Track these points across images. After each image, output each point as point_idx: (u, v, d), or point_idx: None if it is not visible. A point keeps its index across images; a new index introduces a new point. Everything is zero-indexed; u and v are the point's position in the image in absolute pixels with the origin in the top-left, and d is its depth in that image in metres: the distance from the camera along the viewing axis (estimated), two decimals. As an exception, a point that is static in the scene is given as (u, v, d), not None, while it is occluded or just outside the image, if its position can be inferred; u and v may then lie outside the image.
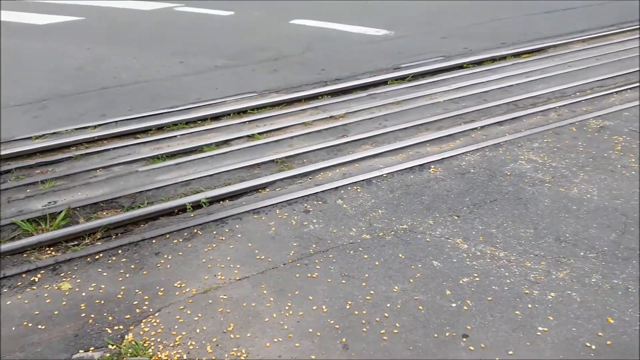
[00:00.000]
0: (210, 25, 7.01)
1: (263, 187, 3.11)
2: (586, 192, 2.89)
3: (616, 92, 4.23)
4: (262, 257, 2.48)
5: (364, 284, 2.28)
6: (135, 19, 7.45)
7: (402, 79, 4.76)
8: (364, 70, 5.00)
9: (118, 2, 8.69)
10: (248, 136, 3.75)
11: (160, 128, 3.89)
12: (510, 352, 1.90)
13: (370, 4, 7.92)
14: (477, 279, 2.28)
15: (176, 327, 2.09)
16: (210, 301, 2.22)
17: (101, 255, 2.56)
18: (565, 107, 4.00)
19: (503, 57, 5.19)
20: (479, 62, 5.09)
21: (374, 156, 3.44)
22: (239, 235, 2.66)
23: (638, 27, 5.93)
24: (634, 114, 3.82)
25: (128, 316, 2.16)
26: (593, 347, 1.91)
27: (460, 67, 5.01)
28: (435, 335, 1.99)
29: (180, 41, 6.20)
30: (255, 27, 6.82)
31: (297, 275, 2.35)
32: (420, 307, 2.13)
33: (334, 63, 5.24)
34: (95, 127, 3.89)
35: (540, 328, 2.00)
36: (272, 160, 3.40)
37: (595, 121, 3.73)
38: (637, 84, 4.35)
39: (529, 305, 2.11)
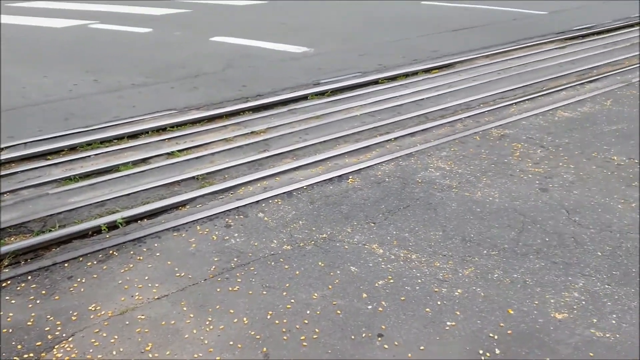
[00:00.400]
0: (127, 42, 6.86)
1: (183, 204, 3.08)
2: (489, 195, 3.13)
3: (515, 103, 4.61)
4: (182, 274, 2.47)
5: (284, 294, 2.33)
6: (47, 36, 7.13)
7: (322, 94, 4.91)
8: (284, 86, 5.10)
9: (29, 19, 8.29)
10: (167, 154, 3.71)
11: (73, 148, 3.75)
12: (422, 348, 2.02)
13: (291, 22, 8.10)
14: (392, 281, 2.40)
15: (91, 350, 2.03)
16: (127, 322, 2.17)
17: (9, 282, 2.43)
18: (470, 118, 4.31)
19: (415, 73, 5.49)
20: (393, 78, 5.35)
21: (294, 169, 3.52)
22: (158, 254, 2.62)
23: (534, 43, 6.50)
24: (530, 122, 4.19)
25: (39, 343, 2.07)
26: (495, 337, 2.07)
27: (376, 82, 5.24)
28: (352, 337, 2.07)
29: (94, 59, 6.01)
30: (175, 44, 6.75)
31: (218, 289, 2.36)
32: (339, 312, 2.21)
33: (255, 79, 5.30)
34: (2, 149, 3.69)
35: (448, 323, 2.14)
36: (193, 177, 3.38)
37: (497, 130, 4.04)
38: (534, 95, 4.77)
39: (438, 302, 2.26)
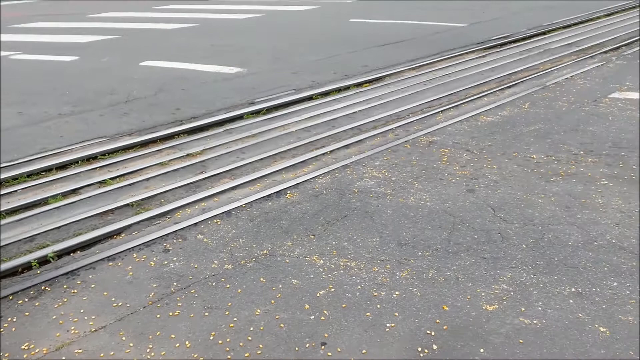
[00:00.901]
0: (52, 72, 6.63)
1: (118, 232, 3.01)
2: (421, 200, 3.26)
3: (441, 111, 4.84)
4: (120, 304, 2.41)
5: (227, 313, 2.32)
6: (-38, 69, 6.77)
7: (257, 112, 4.96)
8: (219, 107, 5.10)
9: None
10: (99, 182, 3.61)
11: (-4, 184, 3.58)
12: (364, 352, 2.08)
13: (222, 44, 8.12)
14: (333, 289, 2.45)
15: (24, 392, 1.94)
16: (64, 358, 2.09)
17: None
18: (401, 127, 4.49)
19: (347, 87, 5.66)
20: (326, 93, 5.48)
21: (232, 188, 3.52)
22: (93, 286, 2.54)
23: (457, 54, 6.86)
24: (456, 128, 4.41)
25: (-35, 392, 1.95)
26: (433, 333, 2.16)
27: (310, 98, 5.35)
28: (297, 348, 2.10)
29: (17, 90, 5.76)
30: (103, 71, 6.60)
31: (158, 316, 2.32)
32: (282, 325, 2.23)
33: (188, 102, 5.27)
34: None
35: (388, 324, 2.21)
36: (127, 204, 3.31)
37: (426, 137, 4.23)
38: (458, 103, 5.03)
39: (378, 306, 2.33)
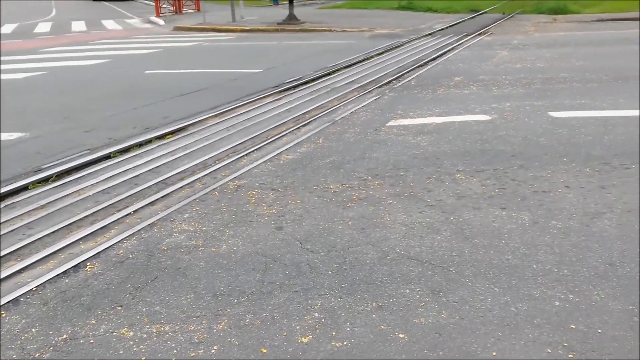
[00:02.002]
0: None
1: None
2: (234, 245, 3.28)
3: (246, 154, 4.99)
4: None
5: (20, 420, 2.00)
6: None
7: (46, 180, 4.48)
8: (-4, 180, 4.47)
9: None
10: None
11: None
12: (185, 419, 1.97)
13: (-3, 107, 7.19)
14: (146, 361, 2.29)
15: None
16: None
17: None
18: (208, 175, 4.49)
19: (149, 141, 5.47)
20: (126, 150, 5.22)
21: (20, 272, 3.09)
22: None
23: (255, 98, 7.18)
24: (261, 169, 4.58)
25: None
26: (255, 379, 2.16)
27: (107, 157, 5.03)
28: None
29: None
30: None
31: None
32: (90, 416, 2.00)
33: (-45, 179, 4.51)
34: None
35: (209, 383, 2.15)
36: None
37: (233, 182, 4.30)
38: (260, 145, 5.24)
39: (196, 366, 2.25)
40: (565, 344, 2.29)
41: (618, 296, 2.60)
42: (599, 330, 2.37)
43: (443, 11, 18.91)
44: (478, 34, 13.24)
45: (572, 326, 2.40)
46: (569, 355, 2.23)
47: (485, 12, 19.05)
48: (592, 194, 3.76)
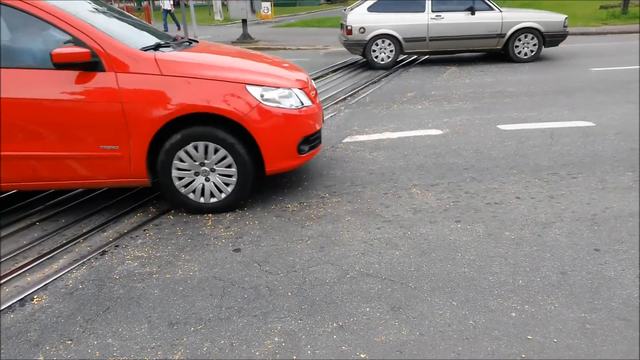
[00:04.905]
0: None
1: None
2: (189, 271, 3.19)
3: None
4: None
5: None
6: None
7: (-12, 209, 4.24)
8: None
9: None
10: None
11: None
12: None
13: None
14: (98, 399, 2.17)
15: None
16: None
17: None
18: (162, 199, 4.37)
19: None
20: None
21: (-42, 309, 2.89)
22: None
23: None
24: (217, 190, 4.49)
25: None
26: (214, 410, 2.08)
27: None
28: None
29: None
30: None
31: None
32: None
33: None
34: None
35: (165, 418, 2.05)
36: None
37: (188, 205, 4.20)
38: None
39: (152, 401, 2.15)
40: (523, 355, 2.33)
41: (571, 304, 2.68)
42: (555, 340, 2.42)
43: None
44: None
45: (529, 337, 2.45)
46: (527, 366, 2.27)
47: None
48: (542, 204, 3.89)
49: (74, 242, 3.64)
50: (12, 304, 2.94)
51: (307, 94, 4.12)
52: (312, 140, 4.13)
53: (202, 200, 3.95)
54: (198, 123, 3.77)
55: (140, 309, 2.82)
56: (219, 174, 3.90)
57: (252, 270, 3.15)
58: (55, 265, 3.34)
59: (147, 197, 4.38)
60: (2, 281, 3.17)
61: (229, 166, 3.86)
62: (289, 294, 2.89)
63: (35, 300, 2.96)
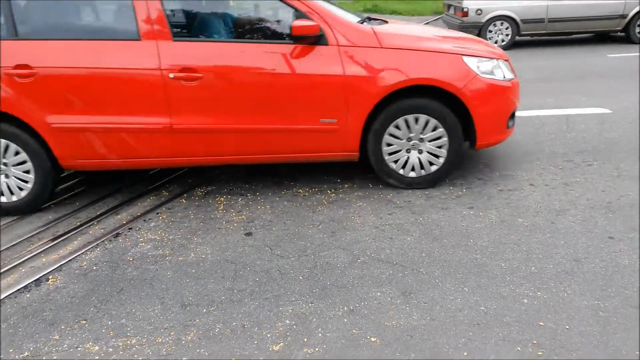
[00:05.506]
0: None
1: None
2: (202, 254, 3.22)
3: (214, 160, 4.90)
4: None
5: None
6: None
7: (4, 191, 4.30)
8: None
9: None
10: None
11: None
12: None
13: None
14: (112, 377, 2.22)
15: None
16: None
17: None
18: (173, 181, 4.39)
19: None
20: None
21: (-24, 288, 2.95)
22: None
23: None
24: (229, 175, 4.51)
25: None
26: (226, 390, 2.11)
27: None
28: None
29: None
30: None
31: None
32: None
33: None
34: None
35: (178, 397, 2.09)
36: None
37: (201, 189, 4.22)
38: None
39: (165, 380, 2.18)
40: (535, 342, 2.33)
41: (584, 292, 2.66)
42: (567, 327, 2.41)
43: (407, 14, 19.18)
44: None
45: (540, 323, 2.44)
46: (539, 353, 2.26)
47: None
48: (556, 191, 3.84)
49: (88, 225, 3.68)
50: (28, 283, 2.99)
51: (510, 66, 4.05)
52: (514, 114, 4.06)
53: (412, 174, 3.92)
54: (410, 96, 3.71)
55: (153, 291, 2.85)
56: (430, 147, 3.85)
57: (264, 254, 3.17)
58: (69, 247, 3.39)
59: (160, 181, 4.41)
60: (17, 262, 3.23)
61: (437, 139, 3.80)
62: (300, 277, 2.90)
63: (50, 280, 3.01)
